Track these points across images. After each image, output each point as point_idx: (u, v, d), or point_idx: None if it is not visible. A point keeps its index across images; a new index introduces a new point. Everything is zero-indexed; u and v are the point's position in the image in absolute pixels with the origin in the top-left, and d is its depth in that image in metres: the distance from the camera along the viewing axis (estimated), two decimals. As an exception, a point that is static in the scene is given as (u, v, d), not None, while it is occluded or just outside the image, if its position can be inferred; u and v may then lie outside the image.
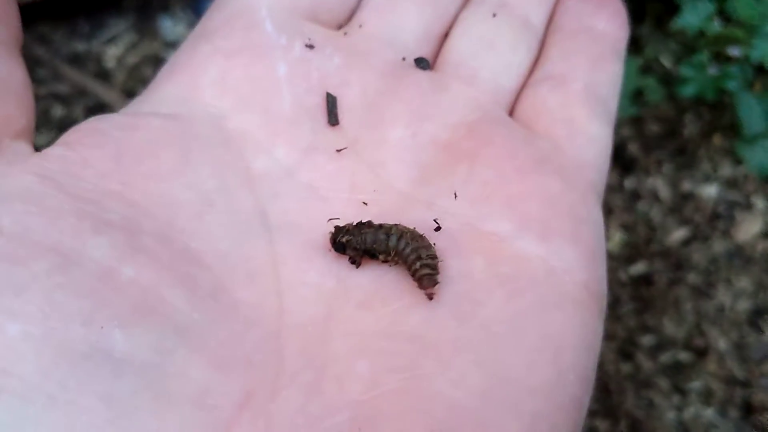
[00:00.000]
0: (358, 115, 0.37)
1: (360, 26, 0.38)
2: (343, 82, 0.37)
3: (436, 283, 0.34)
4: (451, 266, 0.35)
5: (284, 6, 0.37)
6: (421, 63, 0.37)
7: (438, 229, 0.36)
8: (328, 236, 0.35)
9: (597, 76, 0.40)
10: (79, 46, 1.07)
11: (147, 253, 0.31)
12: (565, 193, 0.37)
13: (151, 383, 0.28)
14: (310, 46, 0.35)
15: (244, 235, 0.34)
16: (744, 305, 0.97)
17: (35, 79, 1.01)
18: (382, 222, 0.35)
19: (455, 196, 0.36)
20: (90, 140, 0.34)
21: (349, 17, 0.39)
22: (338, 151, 0.36)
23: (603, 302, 0.37)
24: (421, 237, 0.35)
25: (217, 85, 0.37)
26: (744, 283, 0.99)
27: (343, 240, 0.34)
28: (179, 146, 0.35)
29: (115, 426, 0.27)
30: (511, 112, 0.40)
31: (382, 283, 0.35)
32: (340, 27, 0.38)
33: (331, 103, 0.35)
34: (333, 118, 0.35)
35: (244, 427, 0.29)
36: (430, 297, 0.34)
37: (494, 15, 0.40)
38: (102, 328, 0.28)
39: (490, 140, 0.37)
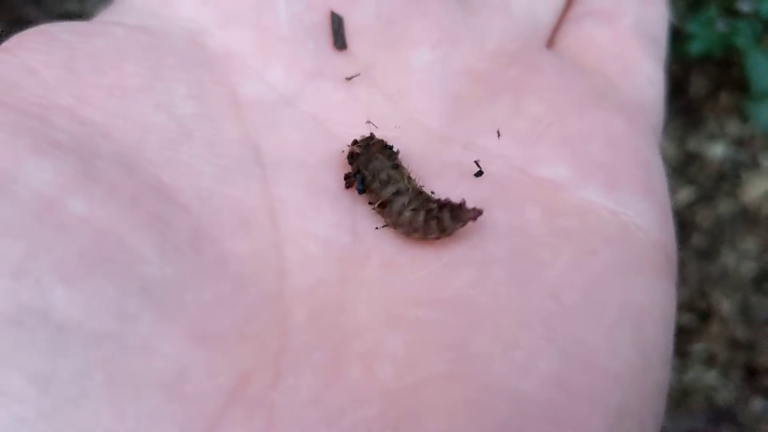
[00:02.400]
0: (371, 36, 0.31)
1: None
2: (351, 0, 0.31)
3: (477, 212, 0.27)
4: (499, 219, 0.28)
5: None
6: None
7: (479, 173, 0.30)
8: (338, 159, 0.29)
9: (647, 12, 0.35)
10: (71, 6, 1.05)
11: (104, 183, 0.24)
12: (630, 135, 0.31)
13: (106, 361, 0.21)
14: None
15: (231, 172, 0.27)
16: (749, 267, 0.96)
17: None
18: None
19: (498, 135, 0.30)
20: (36, 45, 0.27)
21: None
22: (348, 79, 0.30)
23: (675, 266, 0.31)
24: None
25: None
26: (749, 244, 0.98)
27: (354, 173, 0.28)
28: (149, 58, 0.28)
29: (50, 422, 0.20)
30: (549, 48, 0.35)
31: (413, 238, 0.28)
32: None
33: (337, 23, 0.29)
34: (340, 41, 0.29)
35: (237, 424, 0.22)
36: (476, 216, 0.27)
37: None
38: (37, 281, 0.21)
39: (539, 70, 0.31)
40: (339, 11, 0.30)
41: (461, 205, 0.28)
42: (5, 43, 0.27)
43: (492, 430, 0.23)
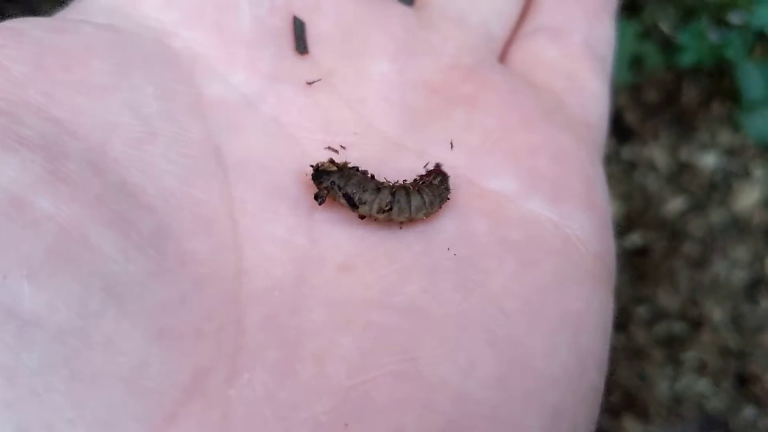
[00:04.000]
0: (332, 44, 0.32)
1: None
2: (313, 6, 0.32)
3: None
4: (448, 227, 0.30)
5: None
6: None
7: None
8: (302, 178, 0.30)
9: (595, 30, 0.36)
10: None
11: (70, 182, 0.24)
12: (575, 151, 0.32)
13: (69, 356, 0.22)
14: None
15: (193, 172, 0.28)
16: (740, 276, 0.97)
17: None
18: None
19: (451, 146, 0.32)
20: (4, 40, 0.27)
21: None
22: (309, 84, 0.31)
23: (614, 277, 0.33)
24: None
25: None
26: (740, 253, 0.98)
27: (322, 187, 0.29)
28: (116, 57, 0.29)
29: (14, 410, 0.21)
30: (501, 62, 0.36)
31: (367, 244, 0.29)
32: None
33: (299, 28, 0.30)
34: (301, 46, 0.30)
35: (193, 418, 0.24)
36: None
37: None
38: (4, 277, 0.22)
39: (491, 85, 0.33)
40: (301, 17, 0.31)
41: (438, 171, 0.30)
42: None
43: (436, 427, 0.25)
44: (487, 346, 0.27)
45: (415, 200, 0.30)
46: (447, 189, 0.30)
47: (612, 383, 0.91)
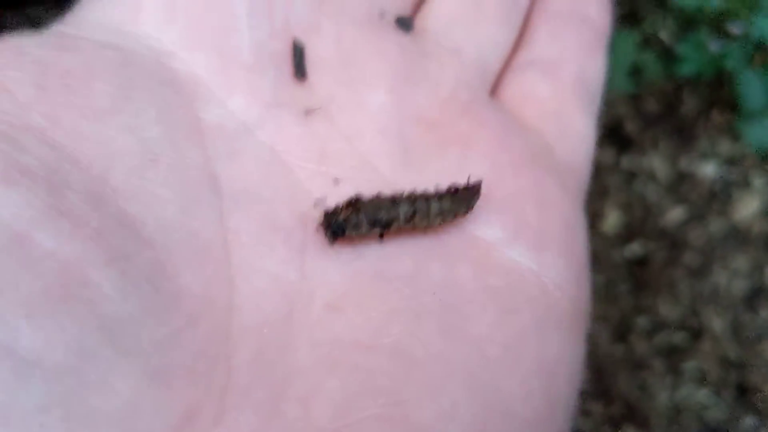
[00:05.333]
0: (331, 70, 0.32)
1: None
2: (312, 28, 0.32)
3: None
4: (435, 272, 0.31)
5: None
6: (404, 23, 0.32)
7: None
8: (300, 214, 0.30)
9: (588, 65, 0.37)
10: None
11: (72, 216, 0.24)
12: (559, 197, 0.34)
13: (65, 395, 0.22)
14: None
15: (191, 201, 0.28)
16: (740, 285, 0.98)
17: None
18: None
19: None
20: (6, 60, 0.27)
21: None
22: (308, 112, 0.31)
23: (587, 319, 0.34)
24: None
25: (163, 13, 0.30)
26: (740, 263, 0.99)
27: (341, 219, 0.29)
28: (119, 78, 0.28)
29: None
30: (492, 95, 0.37)
31: (356, 282, 0.29)
32: None
33: (299, 54, 0.30)
34: (300, 71, 0.30)
35: None
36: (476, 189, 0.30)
37: None
38: (2, 316, 0.22)
39: (485, 124, 0.33)
40: (301, 38, 0.31)
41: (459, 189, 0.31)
42: None
43: None
44: (468, 391, 0.28)
45: (434, 207, 0.30)
46: (467, 203, 0.31)
47: (613, 393, 0.91)
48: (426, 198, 0.31)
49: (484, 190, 0.32)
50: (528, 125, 0.35)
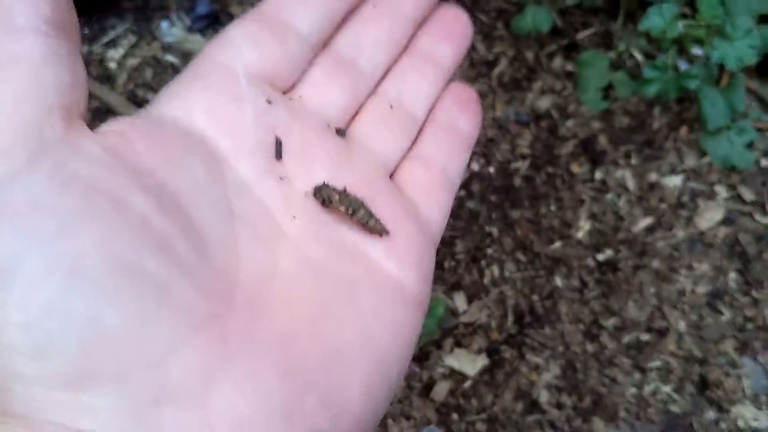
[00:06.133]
0: (295, 156, 0.45)
1: (300, 96, 0.48)
2: (287, 131, 0.46)
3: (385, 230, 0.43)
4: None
5: (251, 70, 0.45)
6: (340, 132, 0.48)
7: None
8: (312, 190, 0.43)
9: (452, 161, 0.51)
10: (82, 49, 1.13)
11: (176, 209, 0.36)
12: (420, 237, 0.46)
13: (160, 294, 0.32)
14: (269, 101, 0.45)
15: (222, 217, 0.39)
16: (703, 289, 1.03)
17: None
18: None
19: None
20: (130, 128, 0.38)
21: (292, 88, 0.48)
22: (282, 179, 0.44)
23: (423, 313, 0.45)
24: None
25: (206, 113, 0.43)
26: (704, 267, 1.05)
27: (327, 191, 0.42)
28: (184, 143, 0.40)
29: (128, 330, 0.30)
30: (391, 176, 0.51)
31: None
32: (285, 93, 0.48)
33: (279, 144, 0.44)
34: (279, 155, 0.44)
35: (207, 333, 0.33)
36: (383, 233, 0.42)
37: (391, 107, 0.51)
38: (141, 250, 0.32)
39: (381, 193, 0.47)
40: (279, 137, 0.45)
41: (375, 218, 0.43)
42: (110, 125, 0.37)
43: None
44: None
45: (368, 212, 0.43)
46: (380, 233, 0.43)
47: (584, 388, 0.98)
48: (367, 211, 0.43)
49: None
50: (407, 195, 0.49)
